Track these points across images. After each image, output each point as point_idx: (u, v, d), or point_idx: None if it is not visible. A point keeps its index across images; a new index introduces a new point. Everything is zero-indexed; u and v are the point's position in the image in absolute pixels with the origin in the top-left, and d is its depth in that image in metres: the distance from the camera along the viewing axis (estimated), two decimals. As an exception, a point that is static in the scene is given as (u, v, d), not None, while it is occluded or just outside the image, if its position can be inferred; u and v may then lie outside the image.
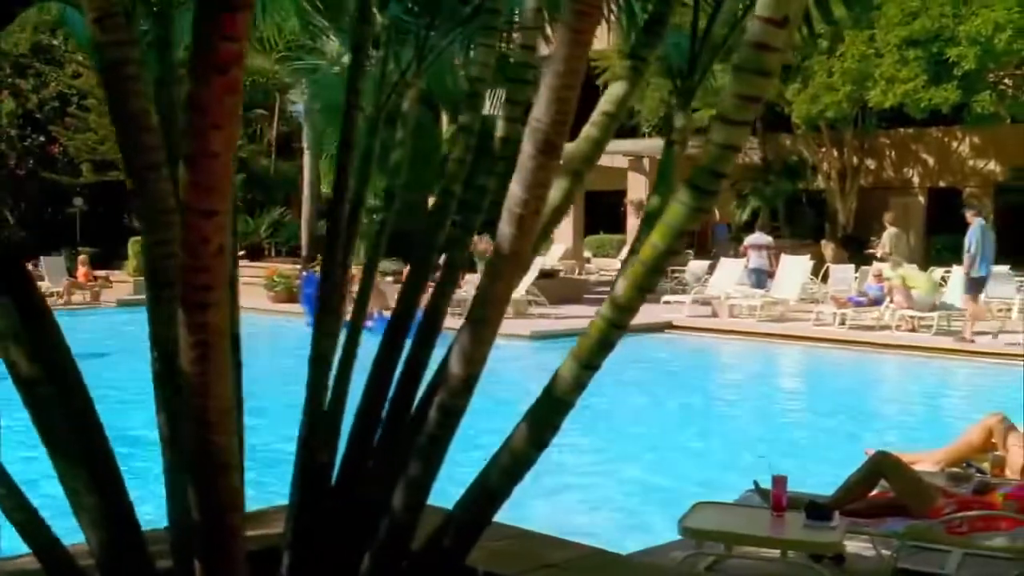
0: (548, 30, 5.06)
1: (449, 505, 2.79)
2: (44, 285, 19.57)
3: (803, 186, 29.92)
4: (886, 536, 4.85)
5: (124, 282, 24.12)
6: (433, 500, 2.77)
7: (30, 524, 2.63)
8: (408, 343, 3.17)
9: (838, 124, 27.08)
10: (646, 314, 18.55)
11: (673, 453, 9.41)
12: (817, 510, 4.70)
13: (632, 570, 3.58)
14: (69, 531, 2.74)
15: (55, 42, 30.62)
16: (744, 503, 5.34)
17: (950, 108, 22.75)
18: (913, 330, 16.15)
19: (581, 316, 18.37)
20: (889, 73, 22.50)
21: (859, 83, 23.56)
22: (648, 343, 16.58)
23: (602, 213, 33.29)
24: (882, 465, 4.95)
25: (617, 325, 2.44)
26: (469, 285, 19.38)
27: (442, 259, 3.31)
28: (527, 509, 7.46)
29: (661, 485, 8.09)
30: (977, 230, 15.72)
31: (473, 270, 19.68)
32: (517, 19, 4.19)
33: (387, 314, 15.32)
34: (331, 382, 3.18)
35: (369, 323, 3.60)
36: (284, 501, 3.25)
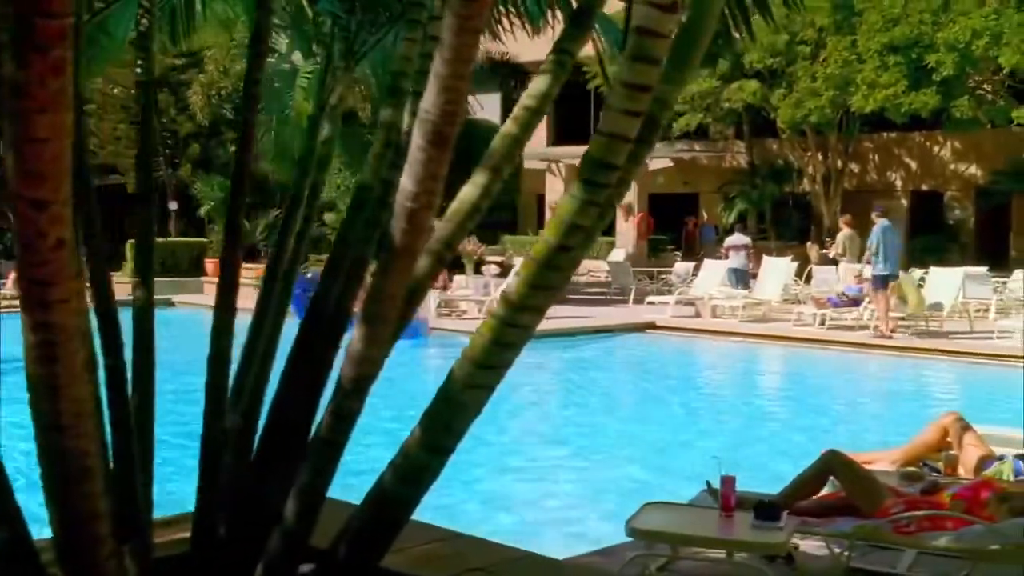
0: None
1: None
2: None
3: (789, 189, 29.79)
4: (834, 536, 4.69)
5: (122, 283, 23.92)
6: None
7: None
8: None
9: (822, 128, 26.96)
10: (629, 314, 18.46)
11: (643, 450, 9.26)
12: (766, 510, 4.54)
13: (560, 573, 3.42)
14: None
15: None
16: (697, 504, 5.17)
17: (930, 113, 22.63)
18: (892, 331, 15.99)
19: (566, 316, 18.22)
20: (870, 78, 22.39)
21: (842, 88, 23.45)
22: (630, 342, 16.46)
23: (592, 216, 33.08)
24: (831, 464, 4.79)
25: (512, 324, 2.28)
26: (456, 287, 19.31)
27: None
28: (494, 507, 7.35)
29: (632, 481, 7.93)
30: (879, 231, 15.94)
31: (461, 270, 19.57)
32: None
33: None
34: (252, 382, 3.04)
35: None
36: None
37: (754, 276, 19.50)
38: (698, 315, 18.42)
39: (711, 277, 19.46)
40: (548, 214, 31.56)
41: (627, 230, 30.97)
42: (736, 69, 26.84)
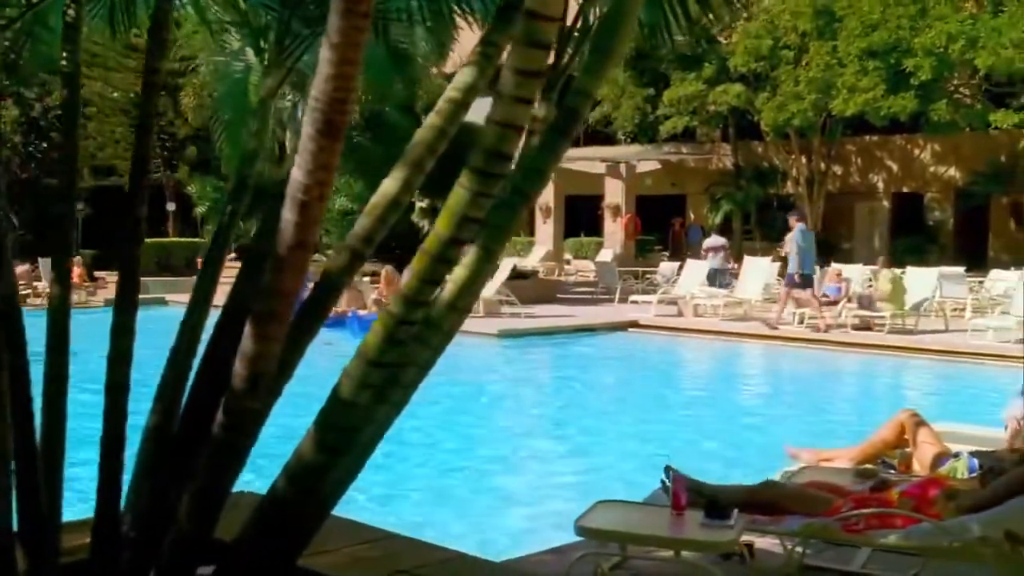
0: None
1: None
2: (41, 285, 19.26)
3: (774, 191, 29.68)
4: (783, 534, 4.55)
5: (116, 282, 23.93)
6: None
7: None
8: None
9: (806, 132, 26.86)
10: (613, 313, 18.32)
11: (611, 446, 9.12)
12: (716, 509, 4.40)
13: (492, 574, 3.28)
14: None
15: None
16: (652, 502, 5.02)
17: (908, 116, 22.51)
18: (869, 328, 15.86)
19: (551, 315, 18.11)
20: (850, 82, 22.27)
21: (823, 92, 23.34)
22: (611, 341, 16.32)
23: (581, 216, 33.03)
24: (765, 494, 4.63)
25: (403, 320, 2.14)
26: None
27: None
28: (462, 503, 7.21)
29: (601, 477, 7.79)
30: (797, 234, 16.40)
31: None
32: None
33: (363, 313, 14.90)
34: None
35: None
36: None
37: (735, 275, 19.40)
38: (680, 314, 18.28)
39: (694, 277, 19.32)
40: (537, 215, 31.43)
41: (615, 231, 30.85)
42: (722, 73, 26.75)
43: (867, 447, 5.73)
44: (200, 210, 26.82)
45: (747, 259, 19.56)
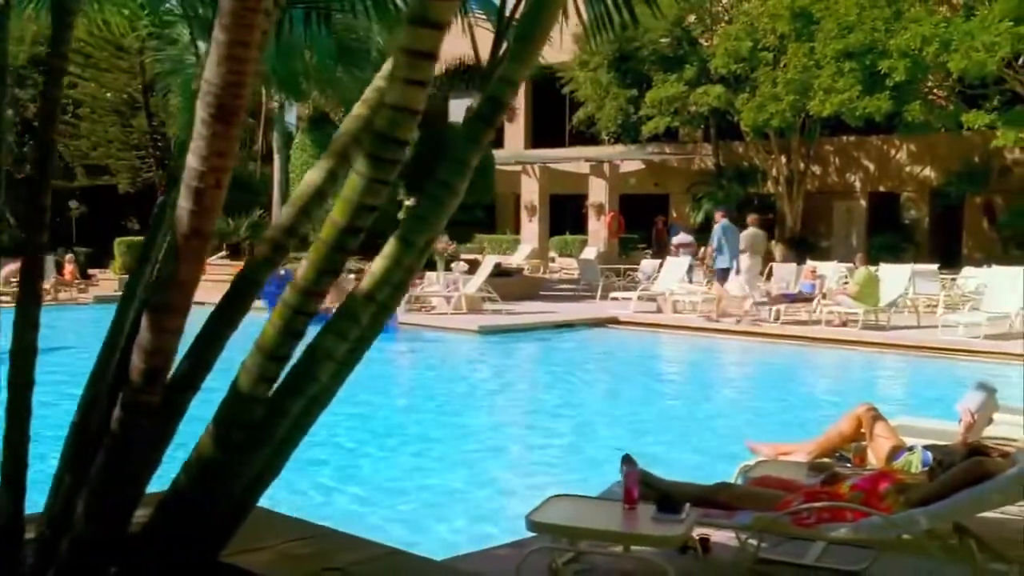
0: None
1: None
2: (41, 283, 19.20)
3: (754, 190, 29.59)
4: (735, 528, 4.44)
5: (111, 280, 23.75)
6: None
7: None
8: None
9: (785, 132, 26.77)
10: (594, 310, 18.23)
11: (578, 440, 9.00)
12: (668, 503, 4.29)
13: (420, 572, 3.16)
14: None
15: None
16: (607, 496, 4.90)
17: (883, 117, 22.43)
18: (844, 324, 15.79)
19: (532, 312, 17.99)
20: (827, 84, 22.18)
21: (801, 93, 23.24)
22: (590, 337, 16.20)
23: (566, 215, 32.93)
24: (718, 496, 4.52)
25: (300, 311, 2.01)
26: (426, 283, 19.02)
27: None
28: (429, 497, 7.08)
29: (568, 471, 7.67)
30: (719, 229, 17.07)
31: (432, 267, 19.26)
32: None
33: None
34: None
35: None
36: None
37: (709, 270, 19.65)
38: (659, 311, 18.18)
39: (673, 274, 19.23)
40: (523, 214, 31.30)
41: (599, 229, 30.75)
42: (703, 74, 26.66)
43: (824, 441, 5.62)
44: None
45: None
